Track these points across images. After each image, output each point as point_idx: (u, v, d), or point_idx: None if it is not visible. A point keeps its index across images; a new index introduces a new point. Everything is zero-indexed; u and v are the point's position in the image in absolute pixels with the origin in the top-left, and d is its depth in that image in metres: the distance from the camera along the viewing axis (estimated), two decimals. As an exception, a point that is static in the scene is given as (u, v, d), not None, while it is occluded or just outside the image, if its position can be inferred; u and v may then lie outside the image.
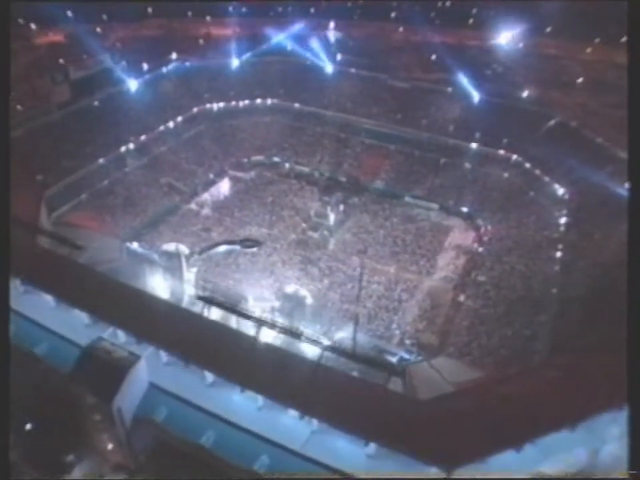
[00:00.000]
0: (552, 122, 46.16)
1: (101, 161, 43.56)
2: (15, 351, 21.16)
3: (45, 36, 52.39)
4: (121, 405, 18.95)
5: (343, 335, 29.93)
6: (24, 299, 23.39)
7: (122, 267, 32.64)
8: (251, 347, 20.07)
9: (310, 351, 22.33)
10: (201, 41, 59.45)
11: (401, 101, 53.59)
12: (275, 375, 19.15)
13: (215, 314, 24.89)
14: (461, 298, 35.27)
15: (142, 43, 55.59)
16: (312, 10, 62.54)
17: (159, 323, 21.15)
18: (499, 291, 34.45)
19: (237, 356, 19.75)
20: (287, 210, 45.49)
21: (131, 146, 46.65)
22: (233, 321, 24.97)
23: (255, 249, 35.81)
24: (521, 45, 56.10)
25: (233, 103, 55.61)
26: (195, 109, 53.61)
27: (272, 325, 20.20)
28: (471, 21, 59.81)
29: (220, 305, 21.83)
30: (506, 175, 46.90)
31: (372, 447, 17.84)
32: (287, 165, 52.54)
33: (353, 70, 56.89)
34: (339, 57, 57.33)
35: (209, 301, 21.54)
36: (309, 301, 28.74)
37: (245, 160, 52.57)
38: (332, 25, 60.97)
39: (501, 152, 47.47)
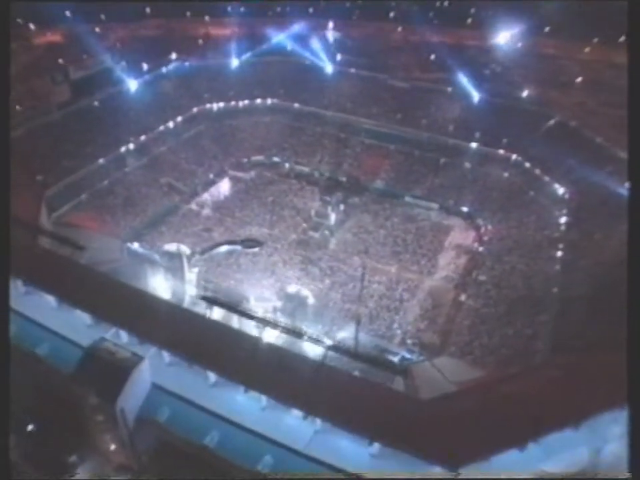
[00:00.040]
0: (552, 122, 46.27)
1: (101, 161, 43.52)
2: (17, 351, 21.18)
3: (43, 36, 52.21)
4: (124, 405, 18.94)
5: (345, 334, 29.94)
6: (26, 299, 23.35)
7: (123, 267, 32.62)
8: (254, 347, 20.06)
9: (313, 351, 22.36)
10: (200, 41, 59.38)
11: (401, 100, 53.63)
12: (279, 375, 19.13)
13: (216, 314, 24.95)
14: (462, 297, 35.34)
15: (141, 43, 55.46)
16: (310, 10, 62.47)
17: (161, 324, 21.12)
18: (500, 291, 34.52)
19: (240, 356, 19.72)
20: (288, 210, 45.50)
21: (131, 146, 46.61)
22: (235, 321, 25.03)
23: (256, 249, 35.82)
24: (519, 44, 56.16)
25: (233, 102, 55.60)
26: (195, 109, 53.59)
27: (275, 325, 20.17)
28: (469, 20, 59.91)
29: (223, 305, 21.80)
30: (506, 174, 46.99)
31: (375, 446, 17.87)
32: (286, 165, 52.54)
33: (352, 70, 56.89)
34: (338, 57, 57.29)
35: (213, 301, 21.51)
36: (311, 300, 28.74)
37: (245, 160, 52.56)
38: (331, 25, 60.90)
39: (501, 152, 47.55)
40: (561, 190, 41.98)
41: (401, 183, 49.00)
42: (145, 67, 52.47)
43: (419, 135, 50.78)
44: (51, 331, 22.16)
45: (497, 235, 41.59)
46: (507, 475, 16.52)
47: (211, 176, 49.84)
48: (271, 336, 21.06)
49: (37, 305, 22.99)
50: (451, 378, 26.33)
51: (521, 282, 34.98)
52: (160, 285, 30.83)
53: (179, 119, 51.81)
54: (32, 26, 51.64)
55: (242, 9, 61.53)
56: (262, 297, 32.99)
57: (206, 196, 47.21)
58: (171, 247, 31.90)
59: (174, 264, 30.72)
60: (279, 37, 57.72)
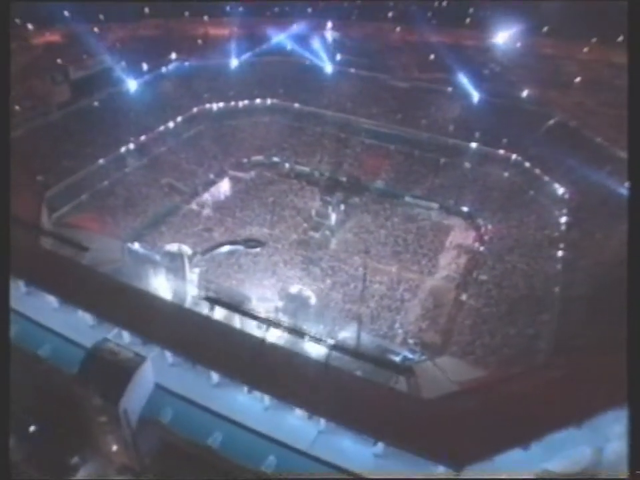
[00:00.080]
0: (551, 121, 46.35)
1: (101, 161, 43.40)
2: (20, 353, 21.19)
3: (41, 36, 52.10)
4: (127, 406, 18.93)
5: (346, 334, 29.94)
6: (28, 300, 23.37)
7: (124, 267, 32.59)
8: (257, 347, 20.08)
9: (316, 351, 22.37)
10: (200, 41, 59.34)
11: (401, 100, 53.63)
12: (282, 375, 19.18)
13: (217, 314, 24.94)
14: (463, 297, 35.35)
15: (140, 43, 55.39)
16: (309, 10, 62.48)
17: (165, 324, 21.14)
18: (501, 290, 34.55)
19: (243, 356, 19.76)
20: (288, 210, 45.47)
21: (131, 146, 46.55)
22: (237, 321, 25.03)
23: (258, 249, 35.80)
24: (518, 44, 56.29)
25: (233, 103, 55.48)
26: (195, 109, 53.51)
27: (279, 326, 20.18)
28: (468, 20, 60.02)
29: (226, 306, 21.79)
30: (506, 174, 47.04)
31: (379, 446, 17.91)
32: (286, 165, 52.49)
33: (352, 70, 56.90)
34: (338, 56, 57.29)
35: (216, 302, 21.50)
36: (312, 301, 28.74)
37: (245, 160, 52.48)
38: (329, 25, 60.91)
39: (501, 151, 47.57)
40: (560, 190, 42.04)
41: (401, 183, 49.00)
42: (145, 67, 52.38)
43: (419, 135, 50.77)
44: (54, 331, 22.17)
45: (497, 235, 41.63)
46: (510, 475, 16.59)
47: (211, 176, 49.75)
48: (273, 336, 21.02)
49: (40, 306, 23.01)
50: (453, 377, 26.38)
51: (522, 281, 35.01)
52: (161, 286, 30.77)
53: (179, 119, 51.72)
54: (30, 26, 51.54)
55: (240, 9, 61.57)
56: (263, 297, 32.97)
57: (206, 196, 47.15)
58: (172, 247, 31.83)
59: (175, 264, 30.66)
60: (279, 37, 57.74)
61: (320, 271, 37.80)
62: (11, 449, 20.51)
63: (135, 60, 51.41)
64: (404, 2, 63.06)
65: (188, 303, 29.59)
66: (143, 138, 47.75)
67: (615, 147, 39.35)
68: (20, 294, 23.52)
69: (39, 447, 21.17)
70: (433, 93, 53.50)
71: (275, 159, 52.95)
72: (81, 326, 22.42)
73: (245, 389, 19.69)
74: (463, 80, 50.61)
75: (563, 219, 39.32)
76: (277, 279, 36.26)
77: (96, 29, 53.56)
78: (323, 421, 18.63)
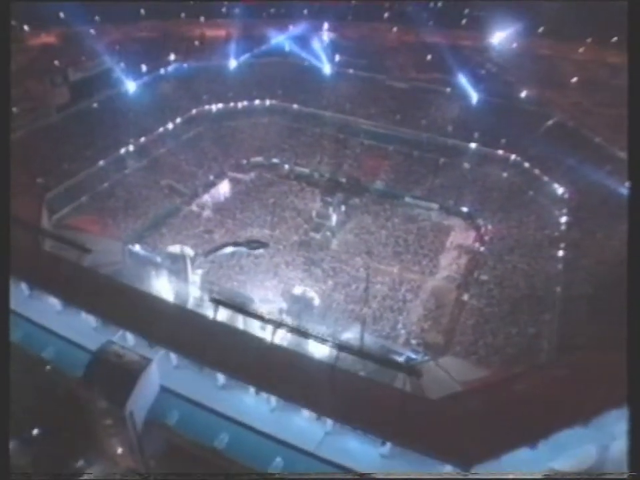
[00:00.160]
0: (550, 122, 46.61)
1: (101, 163, 43.35)
2: (24, 355, 21.10)
3: (37, 37, 51.89)
4: (133, 408, 18.85)
5: (350, 335, 29.96)
6: (30, 304, 23.25)
7: (124, 269, 32.51)
8: (264, 349, 20.06)
9: (322, 352, 22.37)
10: (197, 43, 59.27)
11: (400, 101, 53.80)
12: (289, 376, 19.15)
13: (221, 315, 24.86)
14: (465, 297, 35.46)
15: (137, 44, 55.25)
16: (305, 11, 62.57)
17: (169, 326, 21.06)
18: (503, 290, 34.70)
19: (250, 357, 19.71)
20: (288, 211, 45.47)
21: (131, 148, 46.44)
22: (240, 323, 24.99)
23: (261, 251, 35.77)
24: (514, 45, 56.64)
25: (232, 104, 55.48)
26: (194, 111, 53.45)
27: (286, 327, 20.15)
28: (464, 21, 60.31)
29: (232, 308, 21.74)
30: (505, 174, 47.25)
31: (386, 447, 17.92)
32: (286, 166, 52.52)
33: (350, 71, 57.00)
34: (337, 57, 57.37)
35: (222, 304, 21.45)
36: (315, 302, 28.73)
37: (245, 161, 52.47)
38: (325, 25, 60.99)
39: (500, 152, 47.81)
40: (560, 189, 42.29)
41: (400, 184, 49.12)
42: (144, 68, 52.27)
43: (418, 136, 50.92)
44: (57, 334, 22.05)
45: (497, 235, 41.80)
46: (517, 475, 16.60)
47: (211, 177, 49.69)
48: (279, 337, 21.00)
49: (43, 310, 22.87)
50: (456, 377, 26.51)
51: (522, 281, 35.18)
52: (163, 287, 30.69)
53: (178, 120, 51.67)
54: (26, 27, 51.31)
55: (236, 10, 61.58)
56: (266, 299, 32.93)
57: (206, 197, 47.07)
58: (175, 248, 31.76)
59: (177, 266, 30.59)
60: (277, 39, 57.80)
61: (321, 272, 37.82)
62: (16, 452, 20.48)
63: (133, 61, 51.30)
64: (400, 2, 63.34)
65: (191, 305, 29.52)
66: (142, 139, 47.70)
67: (612, 147, 39.65)
68: (23, 297, 23.40)
69: (44, 450, 21.05)
70: (431, 93, 53.72)
71: (275, 160, 52.97)
72: (84, 328, 22.31)
73: (251, 390, 19.65)
74: (461, 80, 50.87)
75: (563, 219, 39.56)
76: (278, 280, 36.26)
77: (92, 31, 53.42)
78: (329, 422, 18.61)
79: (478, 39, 57.81)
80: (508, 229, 41.74)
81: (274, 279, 36.42)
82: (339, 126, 53.90)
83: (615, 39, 50.68)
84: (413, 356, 29.38)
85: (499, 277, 36.15)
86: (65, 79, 44.09)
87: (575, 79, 50.11)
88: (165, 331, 20.69)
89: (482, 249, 40.98)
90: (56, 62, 46.61)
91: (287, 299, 29.51)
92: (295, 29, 59.01)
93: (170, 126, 50.85)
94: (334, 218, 42.81)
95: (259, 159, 53.07)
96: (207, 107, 54.53)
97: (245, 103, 55.78)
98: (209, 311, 24.47)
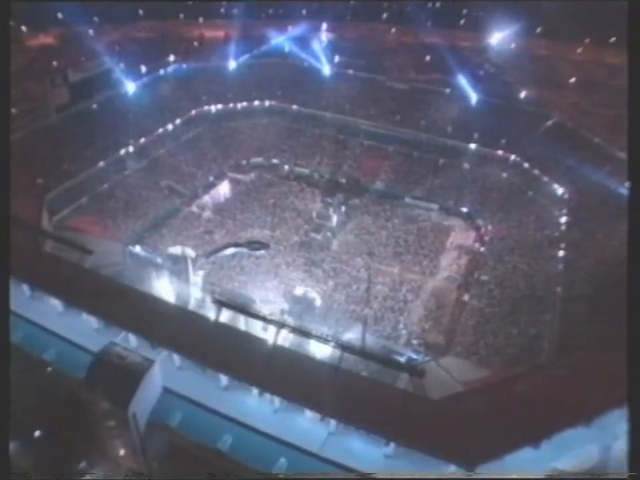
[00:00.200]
0: (549, 122, 46.75)
1: (101, 164, 43.31)
2: (26, 357, 21.06)
3: (35, 38, 51.79)
4: (136, 410, 18.83)
5: (351, 335, 29.98)
6: (31, 305, 23.21)
7: (125, 271, 32.45)
8: (266, 349, 20.05)
9: (324, 353, 22.38)
10: (196, 44, 59.23)
11: (399, 102, 53.89)
12: (292, 377, 19.16)
13: (222, 316, 24.83)
14: (465, 297, 35.51)
15: (135, 45, 55.22)
16: (303, 12, 62.61)
17: (172, 327, 21.04)
18: (503, 290, 34.78)
19: (253, 358, 19.72)
20: (289, 212, 45.48)
21: (131, 149, 46.40)
22: (242, 323, 24.98)
23: (262, 252, 35.77)
24: (512, 45, 56.81)
25: (231, 105, 55.52)
26: (193, 112, 53.44)
27: (290, 328, 20.16)
28: (462, 21, 60.47)
29: (236, 309, 21.73)
30: (505, 175, 47.36)
31: (390, 447, 17.95)
32: (286, 167, 52.54)
33: (350, 71, 57.05)
34: (336, 58, 57.42)
35: (226, 305, 21.43)
36: (318, 302, 28.75)
37: (244, 162, 52.47)
38: (324, 26, 61.03)
39: (500, 152, 47.95)
40: (560, 190, 42.42)
41: (400, 184, 49.20)
42: (143, 69, 52.21)
43: (417, 136, 51.03)
44: (59, 336, 22.00)
45: (497, 235, 41.90)
46: (520, 475, 16.65)
47: (211, 178, 49.67)
48: (282, 338, 21.00)
49: (44, 311, 22.83)
50: (458, 378, 26.56)
51: (522, 282, 35.26)
52: (164, 288, 30.64)
53: (178, 121, 51.67)
54: (24, 28, 51.18)
55: (235, 11, 61.56)
56: (267, 300, 32.92)
57: (206, 198, 47.05)
58: (176, 250, 31.72)
59: (178, 267, 30.56)
60: (276, 39, 57.83)
61: (322, 273, 37.83)
62: (18, 453, 20.44)
63: (132, 62, 51.23)
64: (398, 3, 63.47)
65: (192, 306, 29.50)
66: (142, 140, 47.66)
67: (611, 147, 39.80)
68: (25, 298, 23.36)
69: (46, 451, 21.00)
70: (431, 94, 53.83)
71: (275, 161, 52.98)
72: (85, 330, 22.28)
73: (254, 391, 19.65)
74: (460, 81, 50.99)
75: (563, 219, 39.68)
76: (279, 280, 36.25)
77: (90, 31, 53.32)
78: (332, 423, 18.63)
79: (476, 40, 57.95)
80: (508, 229, 41.84)
81: (275, 279, 36.41)
82: (338, 127, 53.93)
83: (613, 39, 50.88)
84: (414, 356, 29.42)
85: (499, 277, 36.23)
86: (65, 79, 44.03)
87: (573, 80, 50.28)
88: (168, 332, 20.66)
89: (482, 249, 41.06)
90: (54, 63, 46.53)
91: (288, 299, 29.50)
92: (294, 30, 59.03)
93: (169, 127, 50.86)
94: (334, 218, 42.83)
95: (258, 159, 53.08)
96: (206, 107, 54.54)
97: (245, 103, 55.81)
98: (210, 312, 24.51)
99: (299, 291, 29.55)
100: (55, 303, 23.07)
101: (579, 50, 53.68)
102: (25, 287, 23.66)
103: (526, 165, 46.15)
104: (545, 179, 44.05)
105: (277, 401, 19.22)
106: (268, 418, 19.18)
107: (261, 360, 19.71)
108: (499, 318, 32.43)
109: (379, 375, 22.44)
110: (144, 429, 19.51)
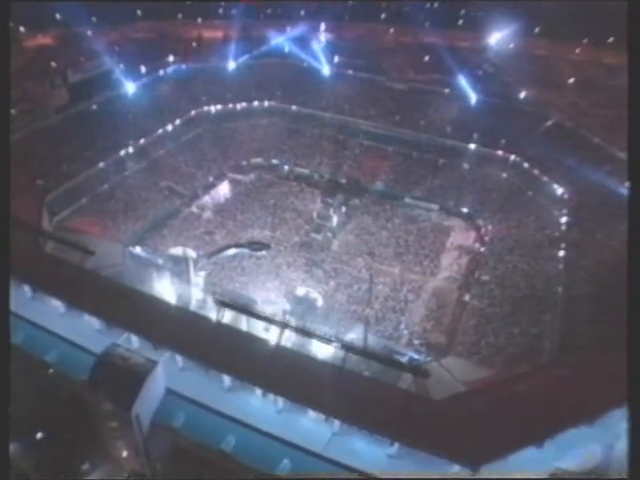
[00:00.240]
0: (549, 122, 46.86)
1: (101, 164, 43.23)
2: (28, 359, 21.01)
3: (34, 39, 51.65)
4: (139, 411, 18.80)
5: (353, 336, 29.97)
6: (32, 306, 23.15)
7: (126, 272, 32.37)
8: (269, 350, 20.06)
9: (327, 353, 22.38)
10: (195, 44, 59.17)
11: (399, 102, 53.96)
12: (295, 378, 19.16)
13: (225, 317, 24.82)
14: (466, 297, 35.53)
15: (134, 45, 55.16)
16: (302, 12, 62.65)
17: (174, 328, 21.02)
18: (504, 290, 34.81)
19: (256, 359, 19.72)
20: (289, 212, 45.46)
21: (130, 149, 46.32)
22: (244, 324, 24.96)
23: (263, 252, 35.74)
24: (511, 45, 56.95)
25: (231, 105, 55.53)
26: (193, 112, 53.43)
27: (293, 328, 20.17)
28: (460, 21, 60.60)
29: (239, 309, 21.73)
30: (504, 175, 47.46)
31: (393, 447, 17.97)
32: (286, 167, 52.52)
33: (349, 72, 57.10)
34: (336, 58, 57.45)
35: (228, 305, 21.42)
36: (320, 303, 28.74)
37: (244, 162, 52.42)
38: (322, 26, 61.04)
39: (499, 152, 48.04)
40: (560, 190, 42.51)
41: (400, 184, 49.24)
42: (142, 69, 52.14)
43: (417, 136, 51.12)
44: (61, 337, 21.95)
45: (497, 235, 41.94)
46: (523, 474, 16.71)
47: (211, 179, 49.64)
48: (285, 339, 20.99)
49: (46, 312, 22.77)
50: (459, 378, 26.58)
51: (523, 281, 35.30)
52: (165, 289, 30.58)
53: (178, 122, 51.64)
54: (22, 28, 51.04)
55: (233, 11, 61.53)
56: (268, 300, 32.88)
57: (206, 199, 47.01)
58: (177, 250, 31.67)
59: (180, 268, 30.50)
60: (275, 40, 57.84)
61: (323, 273, 37.82)
62: (21, 455, 20.40)
63: (131, 63, 51.14)
64: (396, 3, 63.57)
65: (194, 307, 29.45)
66: (141, 141, 47.60)
67: (610, 147, 39.92)
68: (26, 300, 23.31)
69: (49, 453, 20.95)
70: (430, 94, 53.92)
71: (274, 161, 52.97)
72: (87, 331, 22.24)
73: (258, 392, 19.64)
74: (459, 81, 51.09)
75: (563, 219, 39.77)
76: (280, 281, 36.22)
77: (88, 32, 53.18)
78: (336, 423, 18.64)
79: (475, 40, 58.12)
80: (508, 230, 41.90)
81: (276, 280, 36.38)
82: (338, 127, 53.97)
83: (611, 39, 51.09)
84: (416, 356, 29.44)
85: (500, 277, 36.26)
86: (64, 80, 43.91)
87: (571, 80, 50.44)
88: (170, 333, 20.65)
89: (482, 249, 41.11)
90: (53, 63, 46.46)
91: (290, 300, 29.47)
92: (293, 30, 59.04)
93: (169, 127, 50.83)
94: (334, 219, 42.82)
95: (258, 160, 53.05)
96: (206, 108, 54.54)
97: (244, 104, 55.84)
98: (212, 313, 24.48)
99: (300, 291, 29.55)
100: (57, 304, 23.02)
101: (577, 50, 53.91)
102: (27, 288, 23.62)
103: (526, 165, 46.26)
104: (545, 179, 44.15)
105: (280, 401, 19.22)
106: (271, 418, 19.19)
107: (264, 360, 19.74)
108: (500, 318, 32.46)
109: (380, 375, 22.48)
110: (147, 430, 19.50)
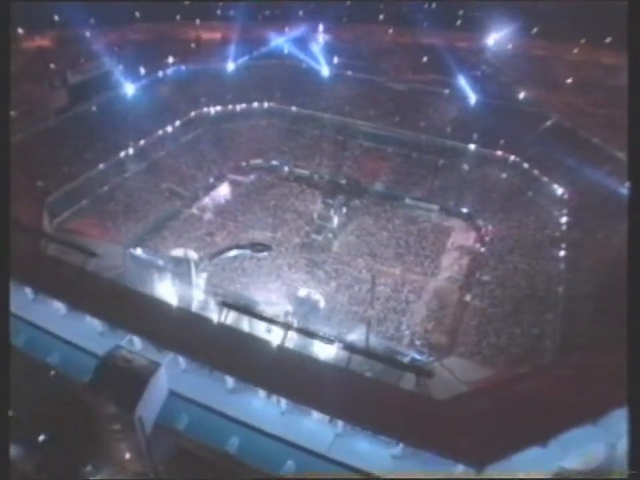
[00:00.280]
0: (548, 122, 46.99)
1: (101, 166, 43.22)
2: (30, 361, 20.95)
3: (32, 40, 51.55)
4: (142, 413, 18.74)
5: (354, 336, 29.96)
6: (34, 308, 23.06)
7: (127, 273, 32.32)
8: (272, 351, 20.05)
9: (330, 354, 22.37)
10: (193, 45, 59.17)
11: (398, 103, 54.06)
12: (299, 379, 19.12)
13: (228, 318, 24.80)
14: (467, 298, 35.61)
15: (132, 47, 54.99)
16: (300, 13, 62.71)
17: (177, 330, 20.96)
18: (505, 290, 34.88)
19: (259, 360, 19.68)
20: (289, 213, 45.49)
21: (130, 151, 46.31)
22: (245, 325, 24.94)
23: (265, 253, 35.73)
24: (509, 46, 57.11)
25: (230, 106, 55.59)
26: (193, 113, 53.49)
27: (297, 330, 20.16)
28: (458, 22, 60.73)
29: (242, 311, 21.71)
30: (504, 175, 47.59)
31: (397, 448, 17.95)
32: (286, 168, 52.57)
33: (349, 72, 57.18)
34: (335, 59, 57.52)
35: (231, 306, 21.41)
36: (322, 304, 28.74)
37: (244, 164, 52.47)
38: (321, 27, 61.10)
39: (499, 153, 48.16)
40: (559, 190, 42.63)
41: (400, 185, 49.33)
42: (142, 71, 52.12)
43: (417, 137, 51.24)
44: (63, 339, 21.88)
45: (497, 236, 42.05)
46: (527, 474, 16.72)
47: (211, 180, 49.68)
48: (288, 339, 21.00)
49: (47, 314, 22.69)
50: (462, 378, 26.57)
51: (524, 281, 35.38)
52: (167, 291, 30.54)
53: (177, 123, 51.67)
54: (20, 30, 50.98)
55: (231, 12, 61.55)
56: (269, 301, 32.86)
57: (207, 200, 47.03)
58: (178, 252, 31.65)
59: (181, 269, 30.47)
60: (275, 41, 57.90)
61: (324, 274, 37.83)
62: (23, 458, 20.34)
63: (130, 64, 51.09)
64: (395, 3, 63.69)
65: (195, 308, 29.42)
66: (141, 142, 47.60)
67: (609, 147, 40.04)
68: (27, 301, 23.23)
69: (51, 456, 20.88)
70: (429, 94, 54.06)
71: (274, 162, 53.02)
72: (89, 333, 22.17)
73: (261, 393, 19.61)
74: (458, 82, 51.21)
75: (563, 219, 39.89)
76: (281, 282, 36.23)
77: (87, 33, 53.10)
78: (340, 424, 18.62)
79: (473, 40, 58.26)
80: (508, 230, 42.00)
81: (277, 281, 36.39)
82: (337, 128, 54.05)
83: (609, 39, 51.27)
84: (418, 357, 29.45)
85: (501, 278, 36.35)
86: (64, 81, 43.85)
87: (569, 80, 50.59)
88: (173, 334, 20.59)
89: (483, 249, 41.19)
90: (52, 65, 46.40)
91: (291, 301, 29.46)
92: (291, 31, 59.10)
93: (169, 129, 50.87)
94: (335, 220, 42.85)
95: (258, 161, 53.10)
96: (205, 109, 54.61)
97: (244, 105, 55.93)
98: (213, 315, 24.46)
99: (302, 292, 29.54)
100: (58, 306, 22.96)
101: (575, 50, 54.05)
102: (28, 290, 23.54)
103: (525, 165, 46.41)
104: (545, 179, 44.29)
105: (283, 402, 19.19)
106: (275, 420, 19.12)
107: (267, 362, 19.70)
108: (501, 318, 32.51)
109: (382, 376, 22.48)
110: (150, 432, 19.43)
